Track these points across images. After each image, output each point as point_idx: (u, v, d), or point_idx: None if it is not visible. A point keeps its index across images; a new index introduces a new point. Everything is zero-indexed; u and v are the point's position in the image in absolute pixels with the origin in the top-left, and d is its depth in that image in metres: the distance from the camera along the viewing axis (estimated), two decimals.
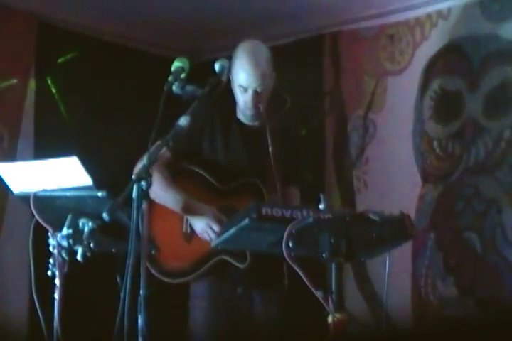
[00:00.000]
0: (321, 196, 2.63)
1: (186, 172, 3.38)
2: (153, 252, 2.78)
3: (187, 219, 3.31)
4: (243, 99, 3.38)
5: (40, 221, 2.65)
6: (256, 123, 3.45)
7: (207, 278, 3.30)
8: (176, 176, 3.35)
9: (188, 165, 3.40)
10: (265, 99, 3.40)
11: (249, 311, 3.35)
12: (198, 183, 3.35)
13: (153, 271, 3.16)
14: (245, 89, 3.35)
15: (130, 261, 2.46)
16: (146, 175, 2.54)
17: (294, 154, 3.51)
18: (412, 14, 4.68)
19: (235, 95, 3.41)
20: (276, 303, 3.38)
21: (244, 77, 3.33)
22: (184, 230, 3.31)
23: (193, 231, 3.29)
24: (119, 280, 3.00)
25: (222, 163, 3.41)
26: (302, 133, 4.62)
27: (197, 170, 3.36)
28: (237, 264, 3.21)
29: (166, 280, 3.22)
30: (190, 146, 3.38)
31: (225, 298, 3.33)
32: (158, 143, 2.74)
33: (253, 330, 3.35)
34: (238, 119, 3.47)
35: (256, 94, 3.35)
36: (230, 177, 3.34)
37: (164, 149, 2.81)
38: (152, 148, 2.70)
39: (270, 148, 3.31)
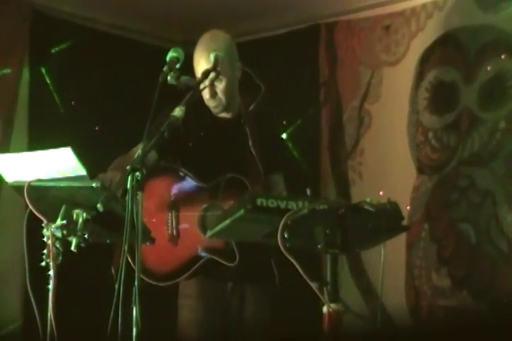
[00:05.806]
0: (308, 190, 2.62)
1: (169, 171, 3.28)
2: (148, 243, 2.77)
3: (172, 221, 3.24)
4: (204, 92, 3.27)
5: (34, 211, 2.63)
6: (229, 115, 3.37)
7: (196, 276, 3.24)
8: (158, 174, 3.23)
9: (170, 162, 3.30)
10: (227, 90, 3.27)
11: (241, 306, 3.31)
12: (180, 182, 3.26)
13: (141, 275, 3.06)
14: None
15: (124, 251, 2.45)
16: (140, 165, 2.53)
17: (272, 141, 3.45)
18: (407, 5, 4.67)
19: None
20: (267, 297, 3.35)
21: (200, 69, 3.16)
22: (170, 232, 3.23)
23: (178, 233, 3.24)
24: (113, 271, 3.01)
25: (203, 159, 3.31)
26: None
27: (178, 168, 3.27)
28: (226, 263, 3.16)
29: (155, 283, 3.15)
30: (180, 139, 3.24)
31: (215, 294, 3.28)
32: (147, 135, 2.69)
33: (245, 325, 3.31)
34: (211, 113, 3.35)
35: (213, 86, 3.24)
36: (212, 174, 3.24)
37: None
38: (146, 140, 2.67)
39: (250, 141, 3.28)
